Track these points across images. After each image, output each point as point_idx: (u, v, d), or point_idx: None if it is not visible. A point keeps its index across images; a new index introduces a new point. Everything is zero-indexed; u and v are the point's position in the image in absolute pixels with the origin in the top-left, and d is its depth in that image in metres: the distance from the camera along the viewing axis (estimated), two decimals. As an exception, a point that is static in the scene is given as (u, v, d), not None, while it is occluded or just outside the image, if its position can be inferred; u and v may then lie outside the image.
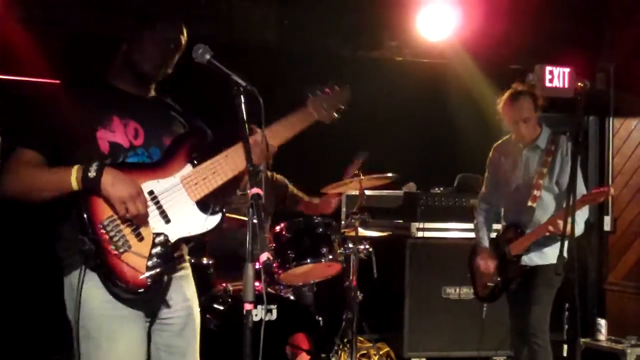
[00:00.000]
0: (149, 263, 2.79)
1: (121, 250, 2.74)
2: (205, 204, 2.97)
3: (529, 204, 4.71)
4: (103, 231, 2.74)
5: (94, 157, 2.82)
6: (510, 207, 5.01)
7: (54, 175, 2.79)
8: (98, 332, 2.80)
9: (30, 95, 3.11)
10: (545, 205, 4.77)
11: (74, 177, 2.74)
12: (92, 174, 2.74)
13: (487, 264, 4.92)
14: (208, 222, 2.96)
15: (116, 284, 2.74)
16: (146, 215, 2.82)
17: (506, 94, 4.86)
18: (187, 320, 3.08)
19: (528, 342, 4.68)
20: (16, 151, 2.87)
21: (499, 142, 5.15)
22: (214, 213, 2.98)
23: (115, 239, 2.74)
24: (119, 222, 2.77)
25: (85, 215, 2.75)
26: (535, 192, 4.72)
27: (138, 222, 2.81)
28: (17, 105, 3.14)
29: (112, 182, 2.74)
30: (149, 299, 2.85)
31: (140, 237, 2.80)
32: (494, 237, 5.07)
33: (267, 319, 4.59)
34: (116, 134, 2.94)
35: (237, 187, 3.32)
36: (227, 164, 3.00)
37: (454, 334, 6.15)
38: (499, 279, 4.87)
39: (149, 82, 3.09)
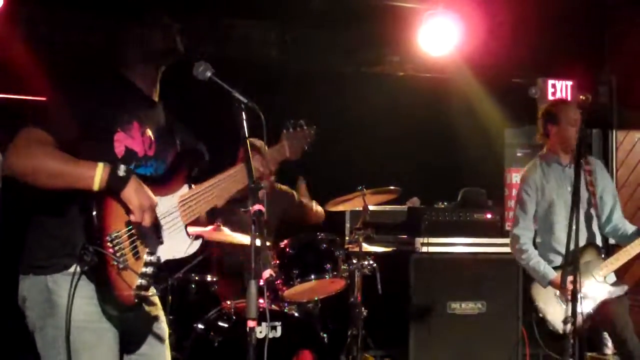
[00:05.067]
0: (139, 282, 2.76)
1: (121, 266, 2.69)
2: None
3: (595, 226, 4.75)
4: (109, 244, 2.67)
5: (106, 158, 2.72)
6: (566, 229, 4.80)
7: (75, 167, 2.64)
8: (78, 343, 2.72)
9: (56, 82, 2.90)
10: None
11: (99, 175, 2.62)
12: (121, 173, 2.67)
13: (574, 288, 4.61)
14: (191, 247, 2.96)
15: (110, 299, 2.70)
16: (152, 231, 2.81)
17: (562, 99, 4.79)
18: (155, 331, 3.06)
19: None
20: (26, 129, 2.68)
21: (529, 167, 4.99)
22: (197, 238, 2.97)
23: (118, 254, 2.68)
24: (124, 237, 2.72)
25: (96, 223, 2.65)
26: (595, 212, 4.75)
27: (142, 237, 2.78)
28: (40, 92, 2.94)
29: (137, 188, 2.70)
30: (128, 317, 2.82)
31: (137, 256, 2.77)
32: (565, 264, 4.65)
33: (271, 336, 4.58)
34: (135, 140, 2.90)
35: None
36: (218, 190, 3.01)
37: (460, 349, 6.11)
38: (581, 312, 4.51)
39: (171, 59, 3.03)
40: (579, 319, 4.53)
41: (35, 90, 5.28)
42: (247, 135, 2.73)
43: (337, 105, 6.70)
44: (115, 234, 2.70)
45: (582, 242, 4.54)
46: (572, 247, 3.92)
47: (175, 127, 3.19)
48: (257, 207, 2.56)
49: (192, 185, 3.01)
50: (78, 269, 2.65)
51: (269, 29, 6.68)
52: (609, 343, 6.45)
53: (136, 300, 2.76)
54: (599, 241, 4.77)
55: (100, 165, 2.65)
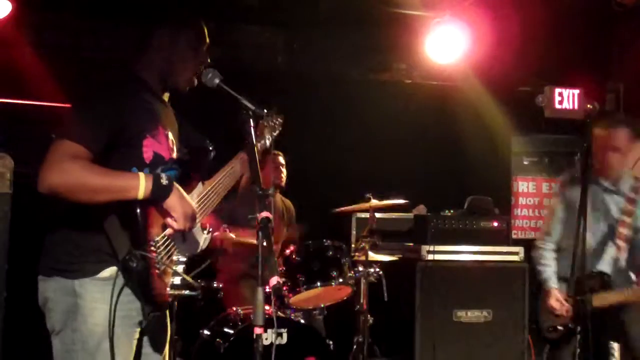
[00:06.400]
0: (172, 281, 2.84)
1: (162, 269, 2.73)
2: (202, 224, 3.02)
3: (614, 254, 4.52)
4: (153, 249, 2.69)
5: (135, 163, 2.75)
6: (587, 253, 4.54)
7: (118, 180, 2.65)
8: (96, 348, 2.73)
9: (80, 91, 2.86)
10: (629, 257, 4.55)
11: (143, 185, 2.64)
12: (164, 181, 2.69)
13: (562, 306, 4.57)
14: (204, 242, 3.01)
15: (150, 301, 2.72)
16: (180, 232, 2.85)
17: (603, 120, 4.57)
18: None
19: None
20: (58, 142, 2.62)
21: (569, 176, 4.79)
22: (208, 232, 3.04)
23: (159, 258, 2.71)
24: (163, 241, 2.76)
25: (142, 230, 2.67)
26: (619, 243, 4.50)
27: (175, 239, 2.82)
28: (72, 100, 2.90)
29: (180, 196, 2.74)
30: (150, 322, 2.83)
31: (171, 258, 2.83)
32: (573, 278, 4.48)
33: (277, 342, 4.57)
34: (162, 145, 2.90)
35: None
36: (223, 185, 3.07)
37: (466, 357, 6.09)
38: (571, 325, 4.52)
39: (177, 92, 3.08)
40: (556, 332, 4.63)
41: (43, 96, 5.32)
42: (254, 142, 2.74)
43: (344, 112, 6.71)
44: (158, 238, 2.73)
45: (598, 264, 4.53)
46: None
47: (182, 125, 3.20)
48: (264, 214, 2.56)
49: (204, 182, 3.03)
50: (120, 279, 2.67)
51: (276, 35, 6.69)
52: (616, 353, 6.42)
53: (170, 299, 2.86)
54: (615, 272, 4.54)
55: (142, 175, 2.67)
